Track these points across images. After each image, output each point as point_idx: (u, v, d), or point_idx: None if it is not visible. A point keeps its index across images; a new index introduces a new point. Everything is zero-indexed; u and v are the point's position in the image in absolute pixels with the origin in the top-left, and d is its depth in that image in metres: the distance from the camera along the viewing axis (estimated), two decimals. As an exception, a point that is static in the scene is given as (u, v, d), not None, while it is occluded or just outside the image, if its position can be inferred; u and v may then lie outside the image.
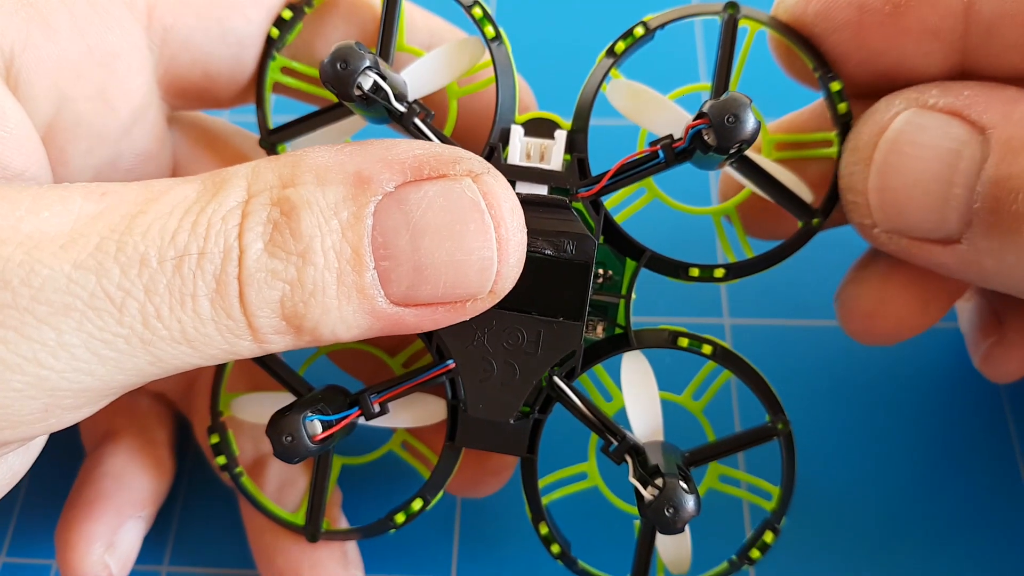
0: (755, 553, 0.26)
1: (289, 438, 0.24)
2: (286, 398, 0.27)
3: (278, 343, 0.22)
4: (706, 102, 0.23)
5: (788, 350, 0.34)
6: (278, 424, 0.24)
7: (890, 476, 0.32)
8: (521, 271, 0.23)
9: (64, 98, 0.24)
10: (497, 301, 0.23)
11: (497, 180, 0.22)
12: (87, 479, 0.30)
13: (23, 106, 0.24)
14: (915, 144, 0.24)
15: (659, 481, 0.23)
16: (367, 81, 0.24)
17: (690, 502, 0.23)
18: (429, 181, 0.21)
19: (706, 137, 0.23)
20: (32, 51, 0.23)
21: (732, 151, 0.23)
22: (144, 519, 0.31)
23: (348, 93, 0.24)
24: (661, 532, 0.23)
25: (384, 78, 0.24)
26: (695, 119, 0.23)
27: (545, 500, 0.27)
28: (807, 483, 0.31)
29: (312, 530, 0.28)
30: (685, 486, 0.23)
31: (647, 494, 0.23)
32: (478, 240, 0.22)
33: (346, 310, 0.21)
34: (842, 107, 0.26)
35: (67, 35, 0.24)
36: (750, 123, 0.23)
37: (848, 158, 0.26)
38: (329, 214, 0.21)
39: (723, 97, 0.23)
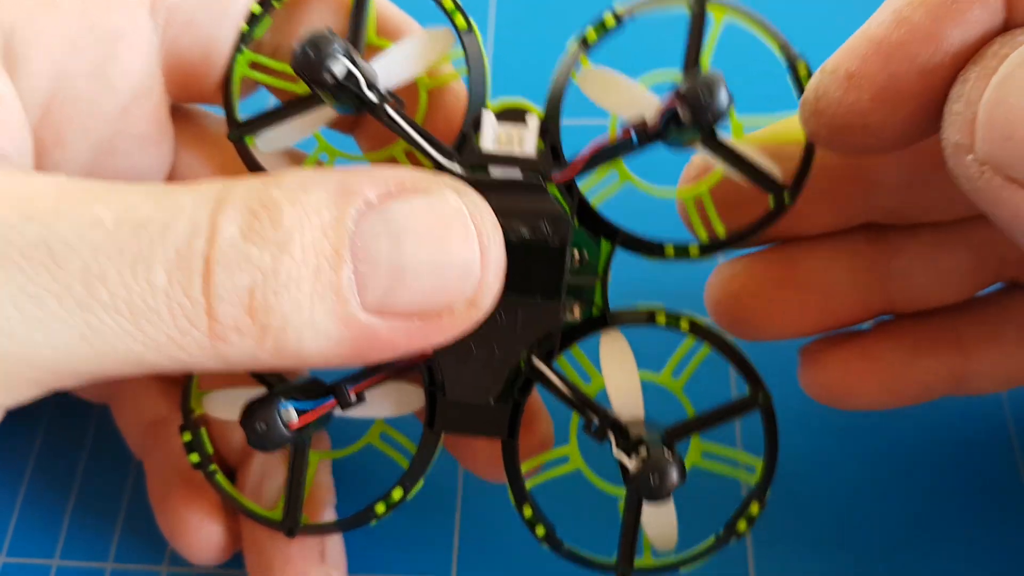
0: (742, 525, 0.26)
1: (263, 426, 0.24)
2: (261, 393, 0.26)
3: (235, 344, 0.20)
4: (680, 81, 0.24)
5: (786, 346, 0.34)
6: (253, 412, 0.24)
7: (888, 470, 0.32)
8: (500, 291, 0.23)
9: (63, 75, 0.24)
10: (476, 319, 0.22)
11: (479, 198, 0.23)
12: (170, 466, 0.30)
13: (21, 82, 0.23)
14: None
15: (643, 450, 0.23)
16: (339, 67, 0.24)
17: (675, 468, 0.23)
18: (412, 192, 0.22)
19: (681, 113, 0.23)
20: (32, 26, 0.23)
21: (706, 126, 0.23)
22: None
23: (320, 79, 0.24)
24: (647, 499, 0.23)
25: (356, 65, 0.24)
26: (670, 95, 0.24)
27: (528, 485, 0.27)
28: (803, 470, 0.31)
29: (290, 525, 0.27)
30: (669, 454, 0.23)
31: (632, 465, 0.23)
32: (460, 243, 0.22)
33: (318, 311, 0.20)
34: (806, 88, 0.27)
35: (69, 12, 0.24)
36: (724, 96, 0.23)
37: (968, 69, 0.22)
38: (312, 211, 0.21)
39: (697, 74, 0.23)
